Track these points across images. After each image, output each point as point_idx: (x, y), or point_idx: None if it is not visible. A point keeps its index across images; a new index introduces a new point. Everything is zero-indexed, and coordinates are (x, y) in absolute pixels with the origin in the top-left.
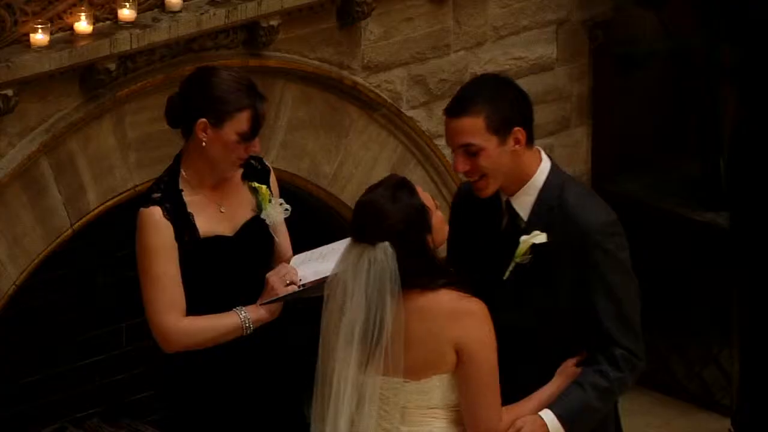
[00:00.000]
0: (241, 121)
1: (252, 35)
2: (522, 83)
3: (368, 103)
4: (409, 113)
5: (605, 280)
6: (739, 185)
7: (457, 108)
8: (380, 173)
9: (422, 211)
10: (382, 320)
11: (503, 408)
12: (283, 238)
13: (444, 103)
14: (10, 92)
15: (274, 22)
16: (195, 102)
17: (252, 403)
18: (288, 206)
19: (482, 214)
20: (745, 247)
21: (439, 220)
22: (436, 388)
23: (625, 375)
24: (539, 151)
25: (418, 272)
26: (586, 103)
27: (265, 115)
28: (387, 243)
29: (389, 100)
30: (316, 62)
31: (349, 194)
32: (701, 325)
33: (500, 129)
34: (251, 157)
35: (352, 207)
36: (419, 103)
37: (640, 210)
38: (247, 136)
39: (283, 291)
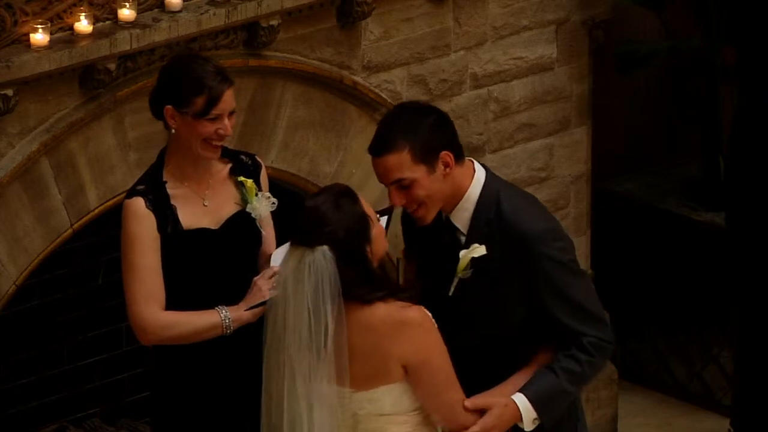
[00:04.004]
0: (197, 105)
1: (252, 35)
2: (522, 83)
3: (368, 103)
4: None
5: (554, 284)
6: (737, 185)
7: (380, 146)
8: None
9: (363, 220)
10: (326, 326)
11: (479, 395)
12: (268, 232)
13: (444, 103)
14: (10, 92)
15: (274, 22)
16: (162, 90)
17: (240, 402)
18: (275, 200)
19: (426, 231)
20: (744, 247)
21: (379, 232)
22: (385, 396)
23: (596, 359)
24: (472, 163)
25: (357, 282)
26: (586, 103)
27: (224, 96)
28: (326, 247)
29: (389, 100)
30: (316, 62)
31: None
32: (701, 325)
33: (426, 157)
34: (242, 153)
35: None
36: None
37: (640, 210)
38: (201, 113)
39: (268, 294)
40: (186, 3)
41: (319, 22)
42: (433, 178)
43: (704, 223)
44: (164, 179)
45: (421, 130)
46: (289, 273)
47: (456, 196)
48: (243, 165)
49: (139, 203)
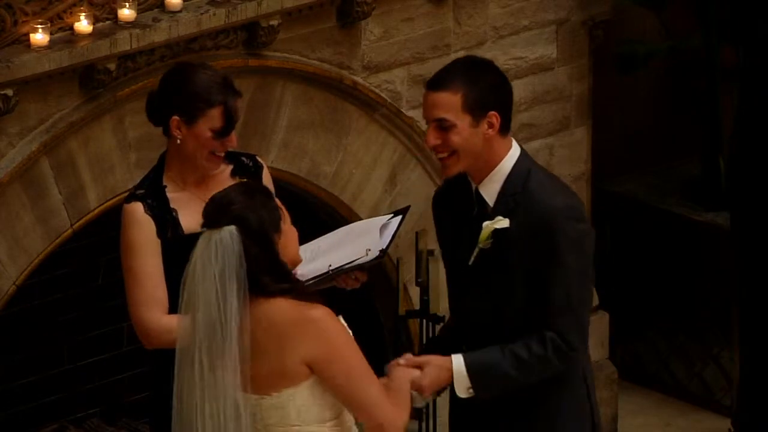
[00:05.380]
0: (213, 118)
1: (252, 35)
2: (522, 83)
3: (368, 103)
4: (409, 113)
5: (559, 263)
6: (739, 185)
7: (437, 82)
8: (380, 173)
9: (273, 209)
10: (232, 314)
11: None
12: None
13: None
14: (10, 92)
15: (274, 22)
16: (168, 100)
17: None
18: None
19: (458, 205)
20: (745, 247)
21: (291, 231)
22: (290, 402)
23: (549, 356)
24: (511, 140)
25: (262, 268)
26: (586, 103)
27: (238, 111)
28: (233, 226)
29: (389, 100)
30: (316, 62)
31: (349, 194)
32: (701, 325)
33: (475, 110)
34: (242, 155)
35: (352, 207)
36: (419, 103)
37: (640, 210)
38: (221, 132)
39: None
40: (186, 3)
41: (319, 22)
42: (473, 131)
43: (704, 223)
44: (164, 183)
45: (481, 82)
46: (197, 258)
47: (489, 166)
48: (244, 166)
49: (137, 208)
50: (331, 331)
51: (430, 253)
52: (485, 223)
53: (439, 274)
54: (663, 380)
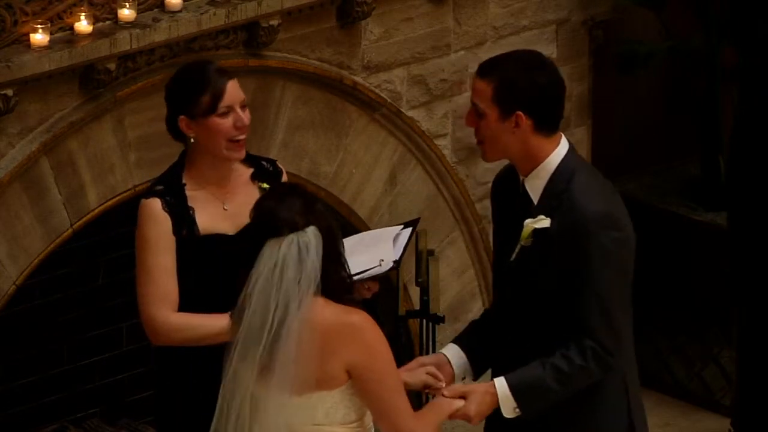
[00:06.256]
0: (204, 104)
1: (252, 35)
2: None
3: (368, 103)
4: (409, 113)
5: (593, 272)
6: (739, 185)
7: (481, 68)
8: (380, 173)
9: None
10: (302, 312)
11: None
12: None
13: (444, 103)
14: (10, 92)
15: (274, 22)
16: (171, 104)
17: None
18: None
19: (508, 197)
20: (746, 248)
21: None
22: (319, 404)
23: (590, 366)
24: (559, 137)
25: (336, 270)
26: (586, 103)
27: (223, 88)
28: (314, 227)
29: (389, 100)
30: (316, 62)
31: (349, 194)
32: (701, 325)
33: (503, 104)
34: (263, 159)
35: (352, 207)
36: (419, 103)
37: (640, 210)
38: (210, 110)
39: None
40: (186, 3)
41: (319, 22)
42: (501, 126)
43: (704, 223)
44: (183, 181)
45: (517, 79)
46: (280, 260)
47: (531, 161)
48: (264, 170)
49: (155, 204)
50: (372, 337)
51: (430, 253)
52: (526, 222)
53: (438, 274)
54: (663, 380)
